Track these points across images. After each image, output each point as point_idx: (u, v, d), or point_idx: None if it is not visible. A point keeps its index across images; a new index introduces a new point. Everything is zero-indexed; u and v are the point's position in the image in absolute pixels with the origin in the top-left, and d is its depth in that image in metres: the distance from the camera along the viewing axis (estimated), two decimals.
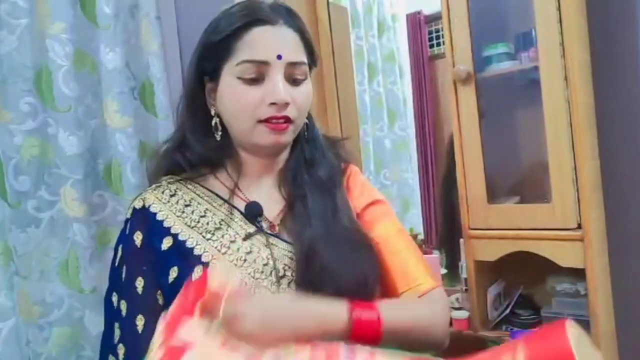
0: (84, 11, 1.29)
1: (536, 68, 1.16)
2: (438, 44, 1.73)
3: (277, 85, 0.73)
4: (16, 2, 1.15)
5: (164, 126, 1.36)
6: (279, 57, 0.74)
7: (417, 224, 1.76)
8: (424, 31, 1.76)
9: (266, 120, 0.75)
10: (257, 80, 0.74)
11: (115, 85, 1.29)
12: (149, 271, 0.75)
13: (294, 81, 0.77)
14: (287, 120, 0.75)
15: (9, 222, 1.11)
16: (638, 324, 1.28)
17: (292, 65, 0.76)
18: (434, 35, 1.74)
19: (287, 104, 0.74)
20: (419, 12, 1.78)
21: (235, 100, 0.76)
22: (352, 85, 1.72)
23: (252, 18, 0.75)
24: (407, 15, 1.82)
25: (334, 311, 0.65)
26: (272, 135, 0.76)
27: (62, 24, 1.22)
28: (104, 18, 1.29)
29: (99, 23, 1.29)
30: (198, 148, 0.80)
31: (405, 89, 1.85)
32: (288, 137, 0.78)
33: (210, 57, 0.78)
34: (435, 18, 1.67)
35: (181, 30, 1.43)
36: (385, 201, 0.88)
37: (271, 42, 0.75)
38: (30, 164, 1.17)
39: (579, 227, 1.11)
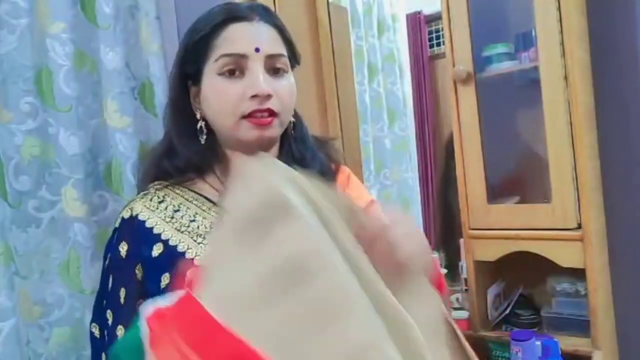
0: (84, 11, 1.29)
1: (536, 68, 1.16)
2: (438, 44, 1.73)
3: (257, 77, 0.73)
4: (16, 2, 1.15)
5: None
6: (257, 49, 0.74)
7: (417, 224, 1.76)
8: (424, 31, 1.76)
9: (250, 115, 0.74)
10: (237, 75, 0.74)
11: (115, 85, 1.29)
12: (131, 282, 0.75)
13: (275, 73, 0.76)
14: (271, 113, 0.75)
15: (10, 222, 1.11)
16: (638, 324, 1.28)
17: (272, 57, 0.76)
18: (434, 35, 1.74)
19: (269, 96, 0.74)
20: (419, 12, 1.78)
21: (217, 97, 0.75)
22: (352, 85, 1.72)
23: (229, 15, 0.75)
24: (407, 15, 1.82)
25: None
26: (257, 130, 0.75)
27: (62, 24, 1.22)
28: (104, 18, 1.29)
29: (99, 23, 1.29)
30: (185, 153, 0.80)
31: (405, 89, 1.85)
32: (273, 131, 0.77)
33: (191, 59, 0.78)
34: (435, 18, 1.67)
35: (181, 30, 1.43)
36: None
37: (248, 36, 0.75)
38: (30, 164, 1.17)
39: (579, 227, 1.11)
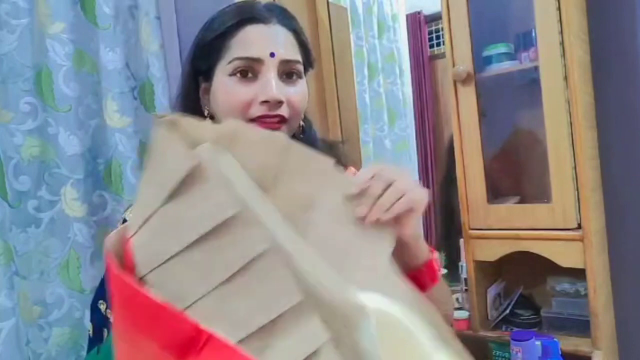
0: (84, 11, 1.29)
1: (536, 68, 1.16)
2: (438, 44, 1.73)
3: (269, 83, 0.72)
4: (16, 2, 1.15)
5: None
6: (272, 54, 0.73)
7: (417, 223, 1.75)
8: (424, 31, 1.76)
9: (258, 120, 0.73)
10: (249, 78, 0.73)
11: (115, 85, 1.29)
12: None
13: (288, 79, 0.75)
14: (281, 119, 0.74)
15: (9, 222, 1.11)
16: (638, 324, 1.28)
17: (286, 63, 0.74)
18: (434, 35, 1.74)
19: (280, 102, 0.73)
20: (419, 12, 1.78)
21: (227, 99, 0.74)
22: (352, 85, 1.72)
23: (246, 16, 0.74)
24: (407, 15, 1.82)
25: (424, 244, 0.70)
26: None
27: (62, 24, 1.22)
28: (104, 18, 1.29)
29: (99, 23, 1.29)
30: None
31: (405, 89, 1.85)
32: None
33: (203, 57, 0.77)
34: (435, 18, 1.67)
35: (181, 30, 1.43)
36: None
37: (264, 40, 0.73)
38: (30, 164, 1.17)
39: (579, 227, 1.11)
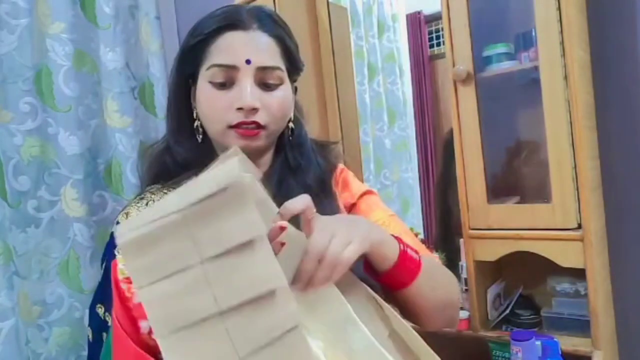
0: (84, 11, 1.29)
1: (536, 68, 1.16)
2: (438, 44, 1.73)
3: (244, 90, 0.72)
4: (16, 2, 1.15)
5: (164, 126, 1.36)
6: (248, 61, 0.73)
7: (417, 224, 1.76)
8: (424, 31, 1.76)
9: (236, 126, 0.74)
10: (226, 85, 0.74)
11: (115, 85, 1.29)
12: None
13: (266, 86, 0.75)
14: (258, 126, 0.74)
15: (9, 222, 1.11)
16: (638, 324, 1.28)
17: (263, 70, 0.74)
18: (434, 35, 1.74)
19: (255, 109, 0.73)
20: (419, 12, 1.77)
21: (206, 105, 0.75)
22: (352, 85, 1.72)
23: (225, 23, 0.75)
24: (407, 15, 1.82)
25: (391, 238, 0.66)
26: (243, 140, 0.75)
27: (62, 24, 1.22)
28: (104, 18, 1.29)
29: (99, 23, 1.29)
30: (181, 150, 0.80)
31: (405, 89, 1.84)
32: (260, 142, 0.77)
33: (188, 61, 0.78)
34: (435, 18, 1.67)
35: (181, 30, 1.44)
36: (375, 191, 0.89)
37: (241, 47, 0.74)
38: (30, 164, 1.17)
39: (579, 227, 1.11)
